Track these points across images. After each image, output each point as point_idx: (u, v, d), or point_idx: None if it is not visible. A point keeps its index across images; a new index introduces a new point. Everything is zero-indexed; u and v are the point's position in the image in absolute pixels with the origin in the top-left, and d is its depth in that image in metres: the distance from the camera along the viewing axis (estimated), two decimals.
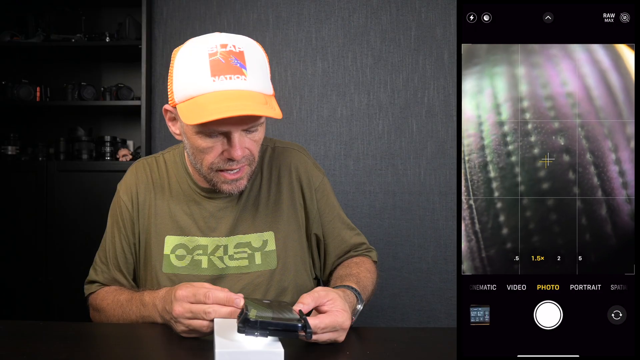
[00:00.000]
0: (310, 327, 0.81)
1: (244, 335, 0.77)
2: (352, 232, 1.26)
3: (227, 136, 1.02)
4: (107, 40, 2.72)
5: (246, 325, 0.77)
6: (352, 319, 0.97)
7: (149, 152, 2.77)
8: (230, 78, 0.97)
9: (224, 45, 0.99)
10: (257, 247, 1.15)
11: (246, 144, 1.04)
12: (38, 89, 2.80)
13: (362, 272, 1.16)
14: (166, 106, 1.10)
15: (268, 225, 1.17)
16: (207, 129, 1.01)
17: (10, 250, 2.70)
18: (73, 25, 2.87)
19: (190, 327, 0.90)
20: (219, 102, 0.95)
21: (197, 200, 1.17)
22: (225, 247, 1.15)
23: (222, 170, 1.06)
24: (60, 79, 2.95)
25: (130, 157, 2.79)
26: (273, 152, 1.22)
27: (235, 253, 1.15)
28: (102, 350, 0.92)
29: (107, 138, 2.80)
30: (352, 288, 1.05)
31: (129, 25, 2.75)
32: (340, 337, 0.90)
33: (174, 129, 1.12)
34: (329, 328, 0.87)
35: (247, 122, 1.01)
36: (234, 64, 0.98)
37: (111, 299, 1.12)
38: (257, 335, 0.77)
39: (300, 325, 0.80)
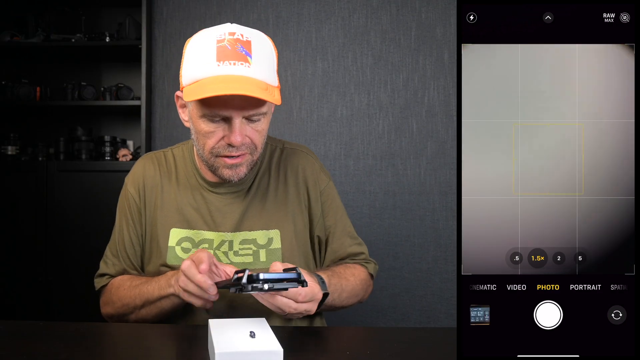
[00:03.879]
0: (303, 276, 0.84)
1: (250, 292, 0.79)
2: (352, 240, 1.25)
3: (229, 122, 1.05)
4: (107, 40, 2.72)
5: (251, 282, 0.78)
6: None
7: (149, 152, 2.77)
8: (234, 64, 1.00)
9: (232, 33, 1.03)
10: (262, 245, 1.16)
11: (247, 132, 1.06)
12: (38, 89, 2.80)
13: (345, 273, 1.15)
14: (177, 92, 1.13)
15: (274, 223, 1.17)
16: (209, 112, 1.03)
17: (10, 250, 2.69)
18: (73, 25, 2.87)
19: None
20: (219, 83, 0.99)
21: (204, 195, 1.18)
22: (231, 243, 1.16)
23: (222, 156, 1.08)
24: (60, 79, 2.95)
25: (130, 157, 2.79)
26: (282, 153, 1.24)
27: (240, 249, 1.15)
28: (103, 350, 0.92)
29: (107, 138, 2.80)
30: (318, 275, 1.04)
31: (129, 25, 2.75)
32: (313, 308, 0.94)
33: (183, 115, 1.15)
34: (308, 297, 0.92)
35: (248, 107, 1.03)
36: (240, 51, 1.01)
37: (129, 284, 1.13)
38: (266, 291, 0.79)
39: (299, 272, 0.83)
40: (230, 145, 1.06)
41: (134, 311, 1.10)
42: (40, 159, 2.82)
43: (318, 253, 1.24)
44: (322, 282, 1.02)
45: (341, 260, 1.23)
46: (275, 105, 1.11)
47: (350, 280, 1.14)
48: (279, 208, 1.19)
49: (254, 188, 1.19)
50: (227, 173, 1.09)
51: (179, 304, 1.04)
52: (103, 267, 1.22)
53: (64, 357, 0.83)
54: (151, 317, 1.09)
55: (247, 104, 1.02)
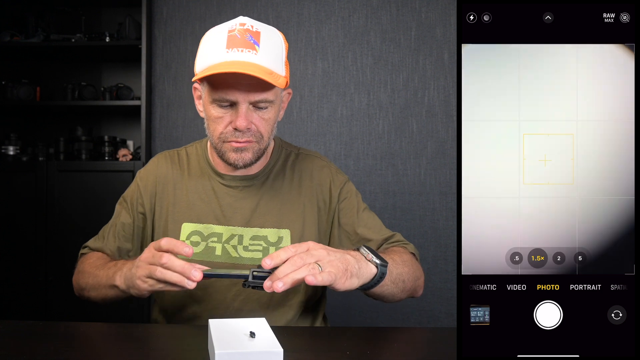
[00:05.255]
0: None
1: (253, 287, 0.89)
2: (379, 232, 1.21)
3: (236, 108, 1.09)
4: (107, 40, 2.72)
5: (256, 279, 0.88)
6: (371, 262, 0.96)
7: (149, 152, 2.77)
8: (242, 51, 1.05)
9: (242, 24, 1.09)
10: (272, 242, 1.18)
11: (253, 119, 1.10)
12: (38, 89, 2.80)
13: (389, 253, 1.08)
14: (195, 84, 1.18)
15: (285, 223, 1.19)
16: (218, 96, 1.08)
17: (10, 250, 2.69)
18: (73, 25, 2.86)
19: (148, 273, 0.93)
20: (225, 66, 1.04)
21: (216, 189, 1.21)
22: (241, 237, 1.18)
23: (229, 141, 1.12)
24: (60, 79, 2.95)
25: (130, 157, 2.78)
26: (297, 157, 1.28)
27: (250, 245, 1.17)
28: (102, 350, 0.92)
29: (107, 138, 2.80)
30: (375, 253, 0.98)
31: (129, 25, 2.75)
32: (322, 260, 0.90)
33: (199, 106, 1.19)
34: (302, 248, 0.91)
35: (253, 92, 1.07)
36: (248, 39, 1.06)
37: (93, 261, 1.17)
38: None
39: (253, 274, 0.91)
40: (236, 130, 1.09)
41: (85, 288, 1.15)
42: (40, 159, 2.82)
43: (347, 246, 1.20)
44: (368, 249, 0.98)
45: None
46: (286, 101, 1.18)
47: (396, 258, 1.06)
48: (291, 208, 1.21)
49: (267, 186, 1.22)
50: (232, 157, 1.12)
51: (120, 296, 1.06)
52: (89, 242, 1.28)
53: (64, 357, 0.83)
54: (97, 300, 1.13)
55: (253, 89, 1.07)
